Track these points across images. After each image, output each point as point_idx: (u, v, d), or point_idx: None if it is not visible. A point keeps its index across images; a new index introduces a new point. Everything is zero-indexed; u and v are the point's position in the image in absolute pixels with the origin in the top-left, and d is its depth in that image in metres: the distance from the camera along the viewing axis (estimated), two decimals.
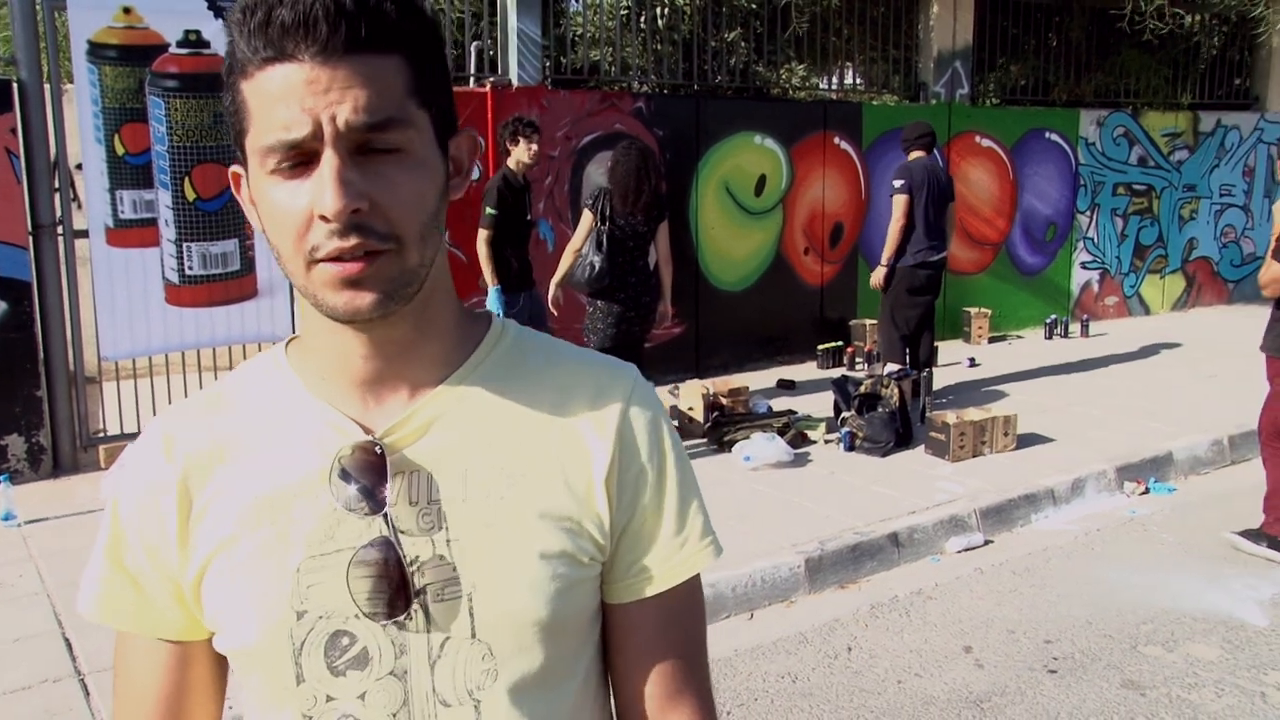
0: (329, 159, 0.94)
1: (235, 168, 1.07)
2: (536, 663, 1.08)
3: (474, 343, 1.14)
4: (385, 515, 1.05)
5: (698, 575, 1.19)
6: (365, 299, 0.98)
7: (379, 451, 1.05)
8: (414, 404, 1.09)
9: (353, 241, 0.96)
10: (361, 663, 1.06)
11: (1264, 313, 5.49)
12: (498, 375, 1.12)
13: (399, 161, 0.98)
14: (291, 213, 0.97)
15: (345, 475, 1.05)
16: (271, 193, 0.98)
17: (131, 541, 1.12)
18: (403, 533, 1.06)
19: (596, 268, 6.14)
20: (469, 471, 1.08)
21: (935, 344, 8.13)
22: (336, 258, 0.97)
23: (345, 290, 0.98)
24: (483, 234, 6.40)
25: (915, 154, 7.67)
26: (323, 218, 0.95)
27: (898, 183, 7.60)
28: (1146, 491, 6.43)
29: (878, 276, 7.69)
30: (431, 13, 1.02)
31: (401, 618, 1.05)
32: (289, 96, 0.94)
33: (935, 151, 7.83)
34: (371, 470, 1.05)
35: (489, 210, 6.40)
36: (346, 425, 1.07)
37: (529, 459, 1.09)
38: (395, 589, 1.04)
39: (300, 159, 0.96)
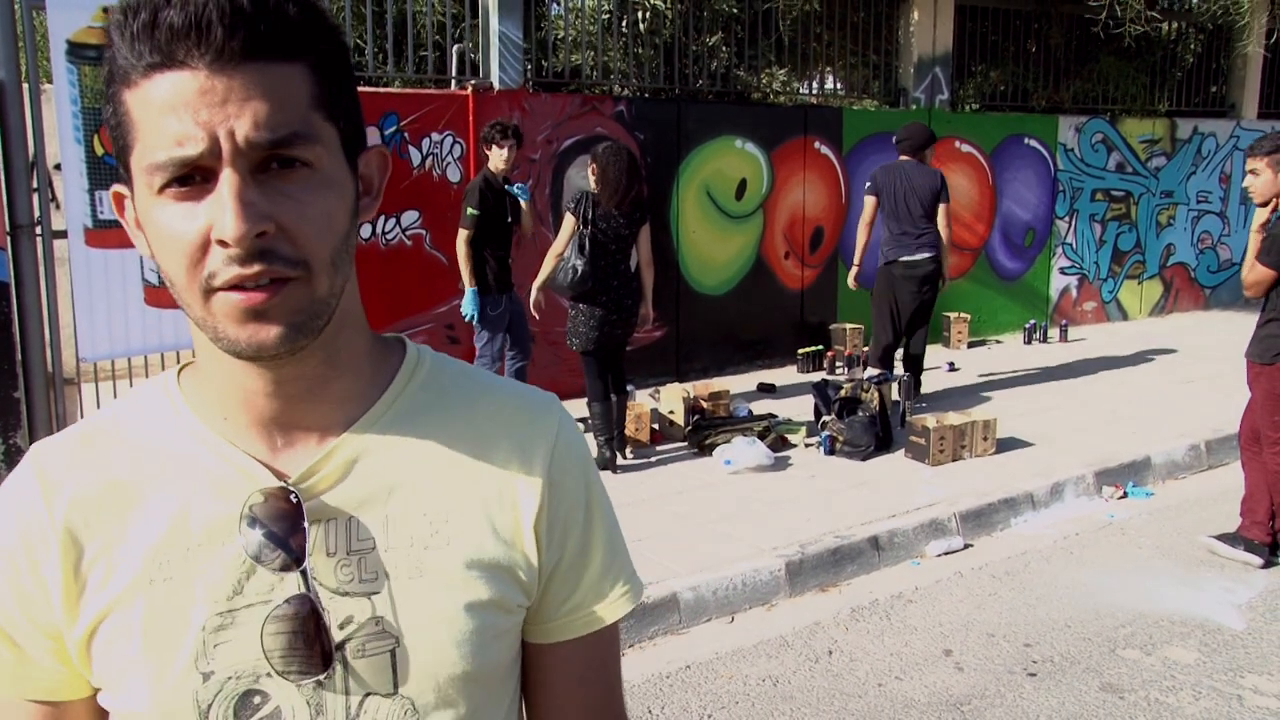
0: (228, 178, 0.86)
1: (118, 187, 0.97)
2: (460, 715, 1.02)
3: (389, 375, 1.06)
4: (304, 570, 0.97)
5: (616, 631, 1.17)
6: (271, 332, 0.90)
7: (294, 499, 0.97)
8: (327, 445, 1.01)
9: (256, 268, 0.87)
10: None
11: (1240, 318, 5.55)
12: (416, 411, 1.05)
13: (305, 179, 0.90)
14: (185, 237, 0.88)
15: (255, 523, 0.97)
16: (161, 215, 0.89)
17: (3, 595, 1.00)
18: (320, 585, 0.98)
19: (579, 271, 6.13)
20: (390, 518, 1.01)
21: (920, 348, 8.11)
22: (238, 286, 0.88)
23: (249, 323, 0.89)
24: (463, 234, 6.41)
25: (901, 157, 7.75)
26: (221, 242, 0.86)
27: (866, 185, 7.84)
28: (1124, 496, 6.46)
29: (850, 277, 8.01)
30: (333, 18, 0.95)
31: (321, 677, 0.97)
32: (180, 108, 0.85)
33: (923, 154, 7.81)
34: (285, 519, 0.97)
35: (470, 210, 6.40)
36: (253, 469, 0.99)
37: (453, 503, 1.03)
38: (313, 646, 0.96)
39: (193, 177, 0.87)
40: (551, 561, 1.07)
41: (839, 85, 11.40)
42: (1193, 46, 12.70)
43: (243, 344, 0.90)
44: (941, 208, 7.67)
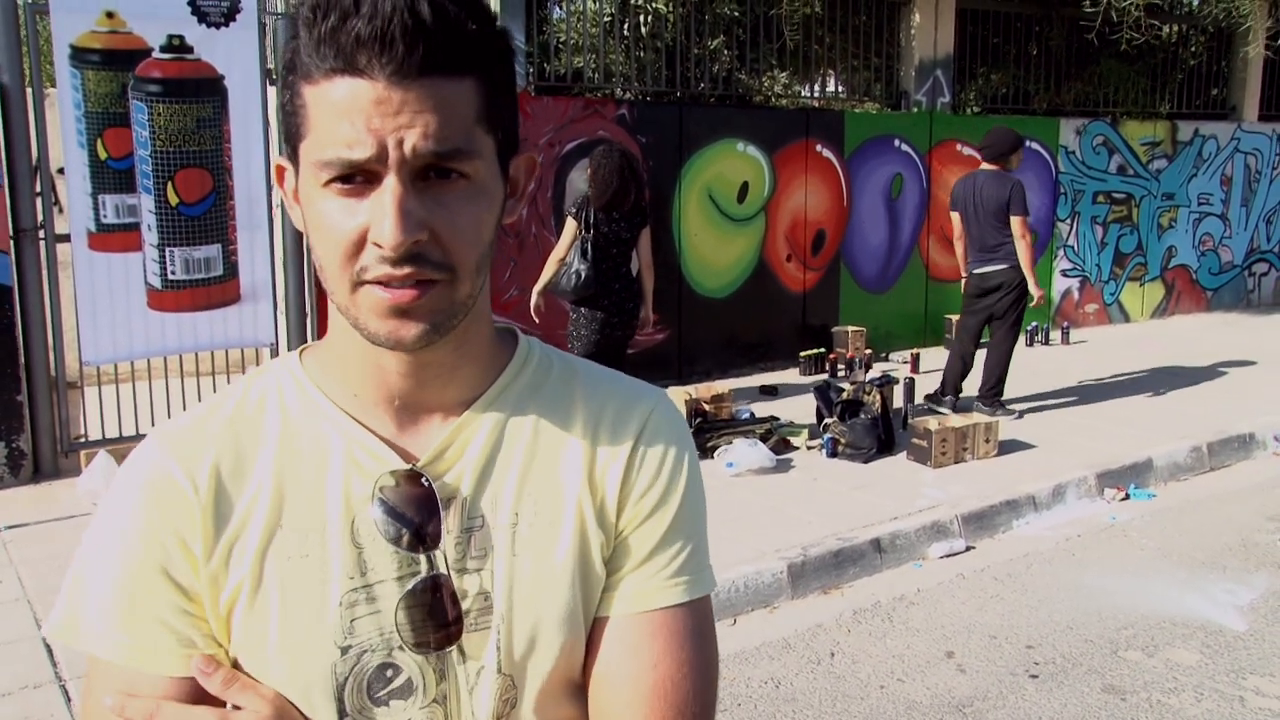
0: (391, 186, 0.90)
1: (281, 160, 1.02)
2: (557, 693, 1.07)
3: (502, 362, 1.10)
4: (440, 551, 1.02)
5: (684, 623, 1.12)
6: (411, 330, 0.94)
7: (426, 483, 1.02)
8: (448, 426, 1.05)
9: (406, 270, 0.91)
10: (406, 692, 1.03)
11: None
12: (525, 397, 1.09)
13: (461, 190, 0.94)
14: (344, 231, 0.92)
15: (384, 504, 1.01)
16: (324, 206, 0.93)
17: (150, 570, 1.01)
18: (444, 562, 1.03)
19: (583, 276, 6.14)
20: (498, 497, 1.05)
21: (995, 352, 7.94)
22: (385, 282, 0.92)
23: (391, 319, 0.94)
24: None
25: (985, 165, 7.74)
26: (377, 244, 0.91)
27: (951, 200, 7.91)
28: (1127, 497, 6.46)
29: (962, 286, 8.06)
30: (502, 26, 0.98)
31: (448, 650, 1.03)
32: (355, 114, 0.89)
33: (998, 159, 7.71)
34: (418, 502, 1.01)
35: None
36: (381, 449, 1.03)
37: (554, 482, 1.07)
38: (441, 621, 1.02)
39: (356, 177, 0.91)
40: (621, 532, 1.09)
41: (840, 88, 11.41)
42: (1194, 49, 12.71)
43: (382, 337, 0.95)
44: (1013, 220, 7.44)
